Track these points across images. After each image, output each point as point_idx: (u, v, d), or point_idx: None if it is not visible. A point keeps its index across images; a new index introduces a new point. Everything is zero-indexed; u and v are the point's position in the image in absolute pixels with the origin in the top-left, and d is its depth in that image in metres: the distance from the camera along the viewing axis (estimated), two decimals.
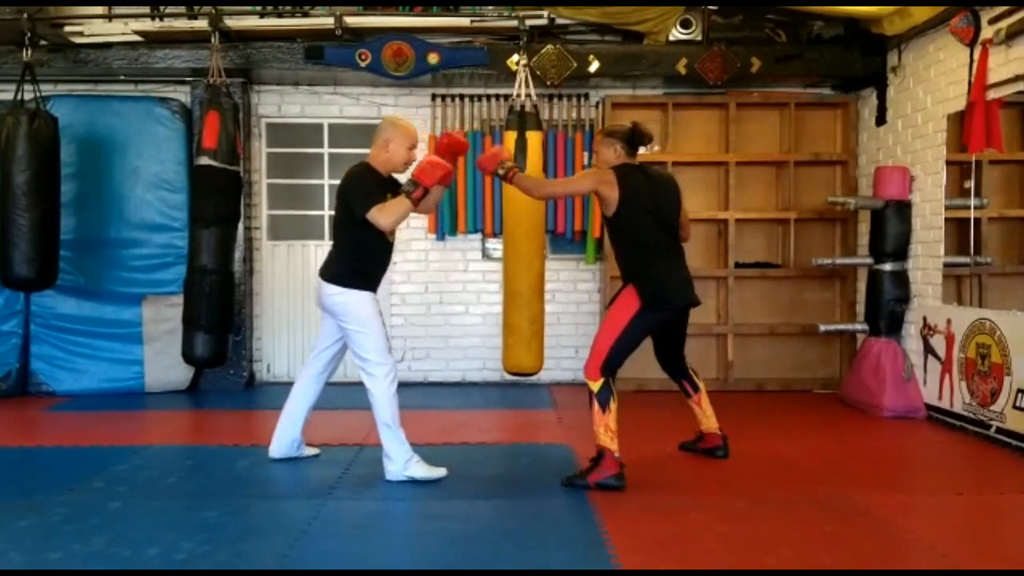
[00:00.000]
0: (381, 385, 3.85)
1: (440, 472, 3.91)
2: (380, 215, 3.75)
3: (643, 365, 6.34)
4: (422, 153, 6.33)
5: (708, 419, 4.38)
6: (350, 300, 3.84)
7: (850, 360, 6.22)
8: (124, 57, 5.94)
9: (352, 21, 5.85)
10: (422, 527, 3.31)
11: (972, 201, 5.08)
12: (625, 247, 3.99)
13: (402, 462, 3.85)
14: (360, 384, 3.93)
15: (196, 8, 5.80)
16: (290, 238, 6.68)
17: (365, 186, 3.83)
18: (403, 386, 6.22)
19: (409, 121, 4.11)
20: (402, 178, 3.95)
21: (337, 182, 4.03)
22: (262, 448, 4.36)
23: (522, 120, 5.10)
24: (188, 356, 5.60)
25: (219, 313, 5.55)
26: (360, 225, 3.81)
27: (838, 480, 3.98)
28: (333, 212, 3.96)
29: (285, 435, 4.19)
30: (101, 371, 6.05)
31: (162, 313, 6.11)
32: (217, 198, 5.49)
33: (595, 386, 3.85)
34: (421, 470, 3.87)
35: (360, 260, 3.88)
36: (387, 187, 3.90)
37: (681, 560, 2.92)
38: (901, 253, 5.63)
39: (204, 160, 5.44)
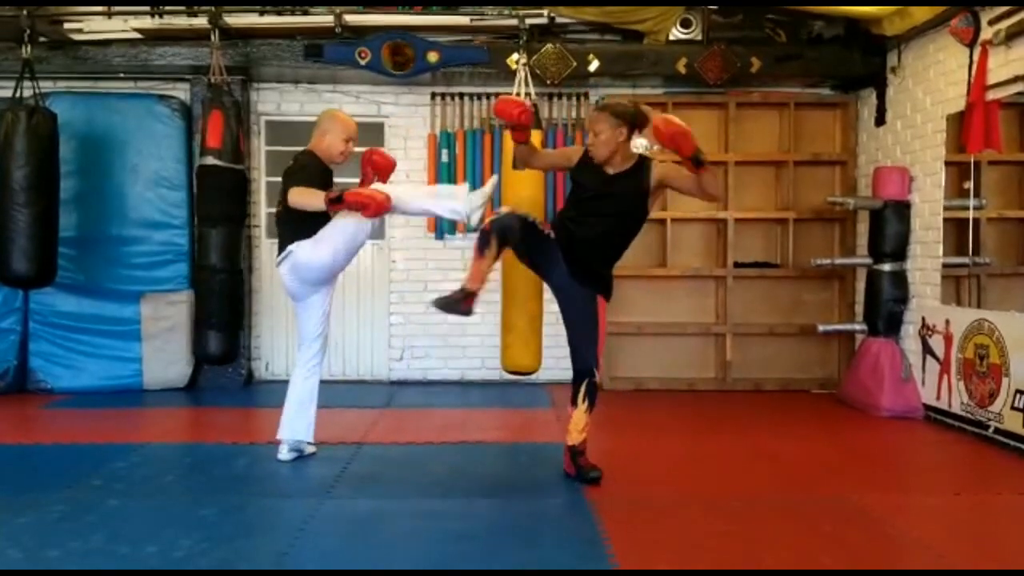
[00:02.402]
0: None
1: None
2: (297, 194, 3.83)
3: (641, 364, 6.38)
4: (418, 151, 6.49)
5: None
6: (317, 247, 3.92)
7: (848, 360, 6.23)
8: (124, 54, 5.93)
9: (352, 19, 5.85)
10: (420, 526, 3.30)
11: (971, 202, 5.09)
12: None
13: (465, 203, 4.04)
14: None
15: (196, 6, 5.80)
16: None
17: (307, 170, 3.96)
18: (402, 385, 6.32)
19: (347, 115, 4.17)
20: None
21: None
22: (261, 446, 4.37)
23: None
24: (200, 354, 5.72)
25: (230, 311, 5.65)
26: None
27: (836, 480, 3.98)
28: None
29: (295, 420, 4.11)
30: (100, 368, 6.04)
31: (161, 311, 6.10)
32: (224, 197, 5.52)
33: (597, 383, 3.77)
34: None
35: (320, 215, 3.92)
36: (327, 175, 4.03)
37: (679, 560, 2.92)
38: (900, 253, 5.64)
39: (209, 160, 5.45)
